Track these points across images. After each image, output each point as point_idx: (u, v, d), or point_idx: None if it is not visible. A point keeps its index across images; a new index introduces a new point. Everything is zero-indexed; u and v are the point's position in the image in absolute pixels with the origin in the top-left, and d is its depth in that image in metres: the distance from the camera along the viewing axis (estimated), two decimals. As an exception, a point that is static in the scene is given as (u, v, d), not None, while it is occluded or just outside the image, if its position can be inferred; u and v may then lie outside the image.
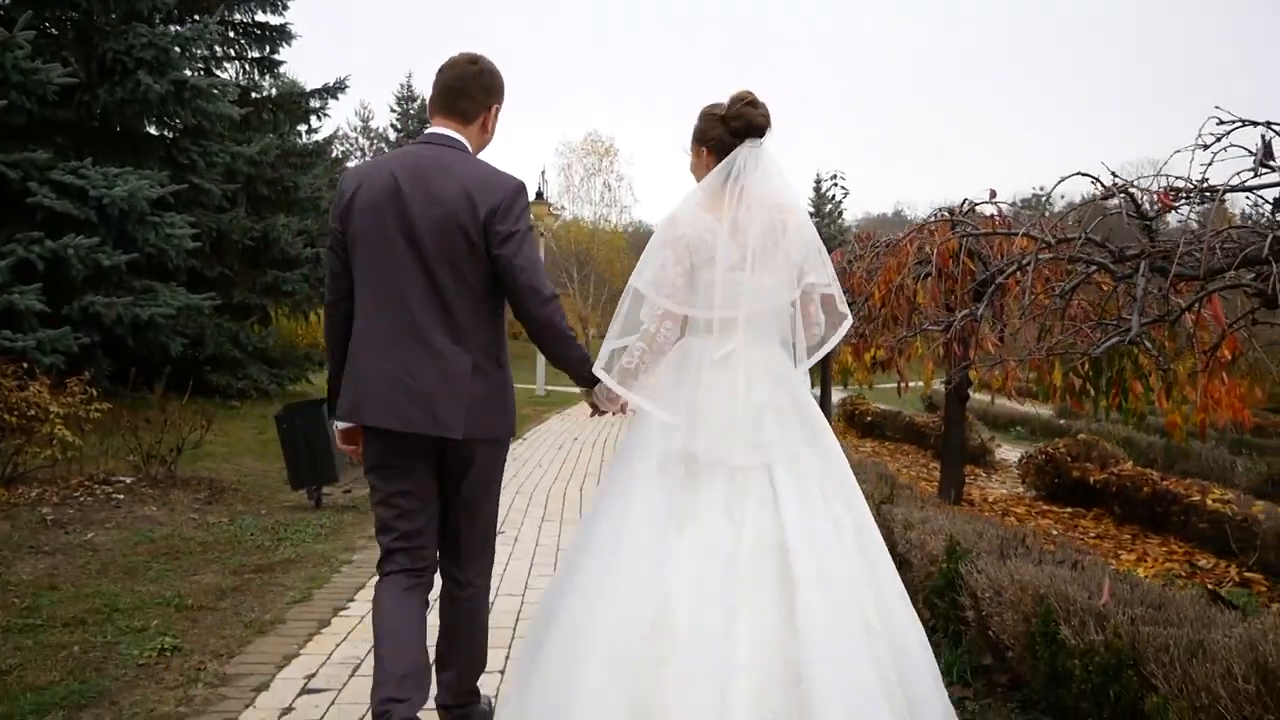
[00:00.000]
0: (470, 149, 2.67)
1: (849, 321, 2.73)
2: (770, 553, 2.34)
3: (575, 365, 2.68)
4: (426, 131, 2.67)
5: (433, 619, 2.74)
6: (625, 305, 2.60)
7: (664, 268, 2.53)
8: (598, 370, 2.58)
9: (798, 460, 2.49)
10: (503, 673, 3.35)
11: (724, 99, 2.70)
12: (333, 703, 3.11)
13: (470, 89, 2.65)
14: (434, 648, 2.75)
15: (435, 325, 2.53)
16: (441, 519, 2.69)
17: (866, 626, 2.32)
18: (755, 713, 2.16)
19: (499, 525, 2.86)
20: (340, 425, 2.70)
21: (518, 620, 4.04)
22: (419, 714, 2.48)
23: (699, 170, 2.72)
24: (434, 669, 2.72)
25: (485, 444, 2.64)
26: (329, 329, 2.74)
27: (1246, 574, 5.63)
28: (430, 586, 2.69)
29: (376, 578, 2.65)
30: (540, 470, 8.95)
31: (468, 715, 2.79)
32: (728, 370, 2.53)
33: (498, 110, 2.72)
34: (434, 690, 2.69)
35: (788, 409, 2.55)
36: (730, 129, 2.63)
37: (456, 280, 2.53)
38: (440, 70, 2.69)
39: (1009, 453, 11.45)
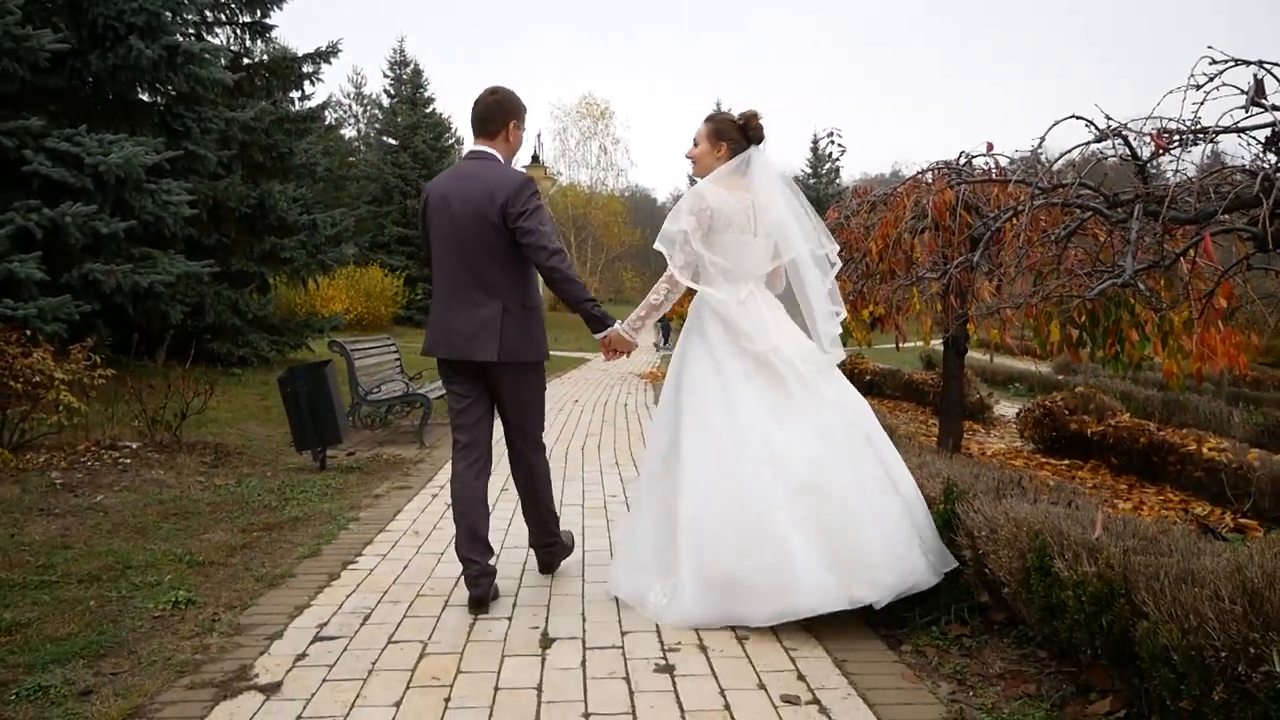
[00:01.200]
0: (500, 157, 3.61)
1: (834, 270, 3.74)
2: (855, 427, 3.49)
3: (584, 305, 3.58)
4: (468, 150, 3.69)
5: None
6: (667, 226, 3.63)
7: (689, 230, 3.53)
8: (659, 244, 3.60)
9: (820, 359, 3.57)
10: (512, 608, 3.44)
11: (733, 111, 3.75)
12: (345, 649, 3.18)
13: (492, 113, 3.61)
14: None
15: (473, 286, 3.53)
16: (503, 416, 3.76)
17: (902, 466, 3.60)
18: (892, 511, 3.36)
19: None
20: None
21: (523, 570, 4.12)
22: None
23: (709, 158, 3.69)
24: (524, 518, 3.98)
25: (512, 365, 3.57)
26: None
27: (1241, 520, 5.71)
28: (485, 463, 3.70)
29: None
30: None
31: (553, 552, 3.97)
32: (752, 307, 3.56)
33: (516, 124, 3.65)
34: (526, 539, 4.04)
35: (800, 332, 3.61)
36: (746, 136, 3.69)
37: (488, 253, 3.50)
38: (473, 104, 3.64)
39: (1008, 409, 11.52)
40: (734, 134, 3.66)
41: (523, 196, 3.44)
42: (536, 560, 4.02)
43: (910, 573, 3.29)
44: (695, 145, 3.72)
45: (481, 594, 3.52)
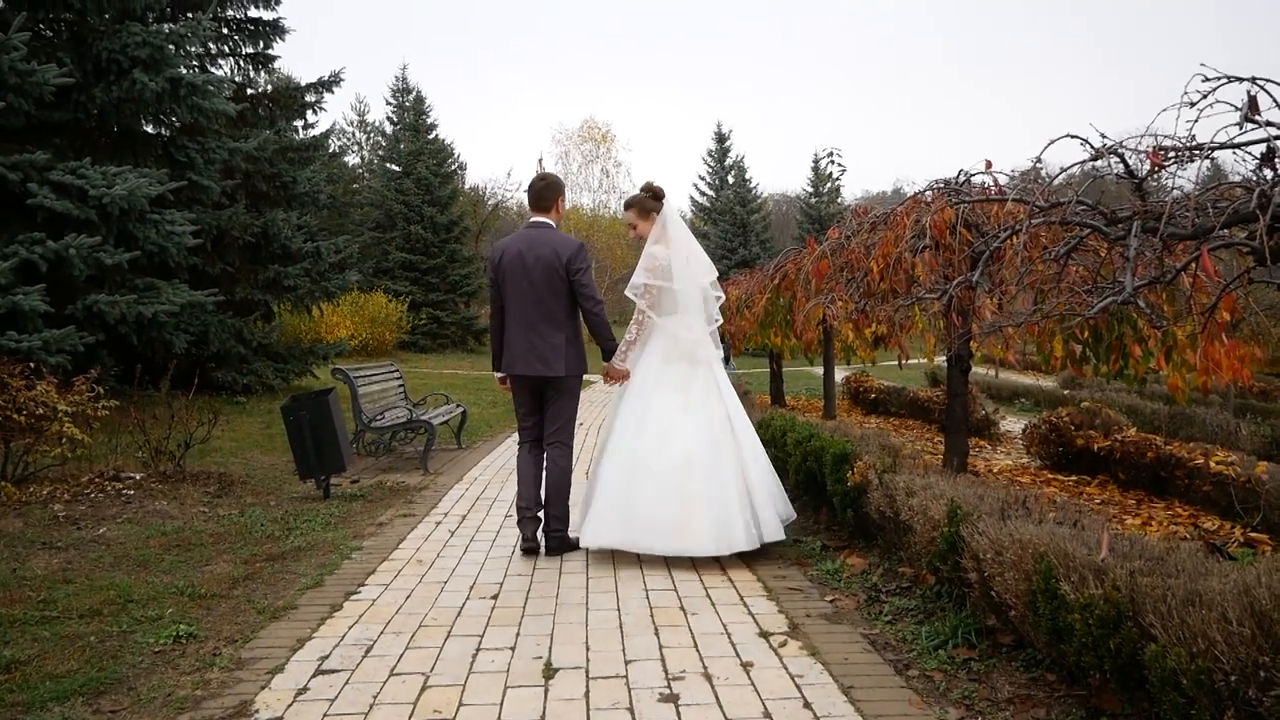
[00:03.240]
0: (553, 225, 4.96)
1: (721, 301, 5.10)
2: (727, 420, 4.88)
3: (605, 343, 4.97)
4: (530, 220, 5.01)
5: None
6: (634, 279, 5.05)
7: (648, 281, 4.96)
8: (629, 293, 5.04)
9: (712, 364, 4.98)
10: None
11: (638, 191, 5.21)
12: (347, 682, 3.15)
13: (544, 194, 4.97)
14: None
15: (542, 321, 4.82)
16: (544, 416, 4.99)
17: (755, 457, 4.90)
18: (738, 495, 4.69)
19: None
20: (499, 375, 5.02)
21: (526, 599, 4.09)
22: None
23: (644, 226, 5.10)
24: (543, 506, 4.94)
25: (570, 378, 4.90)
26: (493, 329, 5.02)
27: (1251, 534, 5.64)
28: (540, 450, 4.99)
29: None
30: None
31: (562, 539, 4.93)
32: (685, 333, 4.95)
33: (561, 200, 5.03)
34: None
35: (701, 345, 4.98)
36: (653, 196, 5.12)
37: (552, 297, 4.83)
38: (529, 187, 5.03)
39: (1014, 424, 11.45)
40: (653, 204, 5.08)
41: (580, 257, 4.83)
42: (544, 542, 4.96)
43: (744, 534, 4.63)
44: (635, 227, 5.15)
45: (530, 533, 4.89)
